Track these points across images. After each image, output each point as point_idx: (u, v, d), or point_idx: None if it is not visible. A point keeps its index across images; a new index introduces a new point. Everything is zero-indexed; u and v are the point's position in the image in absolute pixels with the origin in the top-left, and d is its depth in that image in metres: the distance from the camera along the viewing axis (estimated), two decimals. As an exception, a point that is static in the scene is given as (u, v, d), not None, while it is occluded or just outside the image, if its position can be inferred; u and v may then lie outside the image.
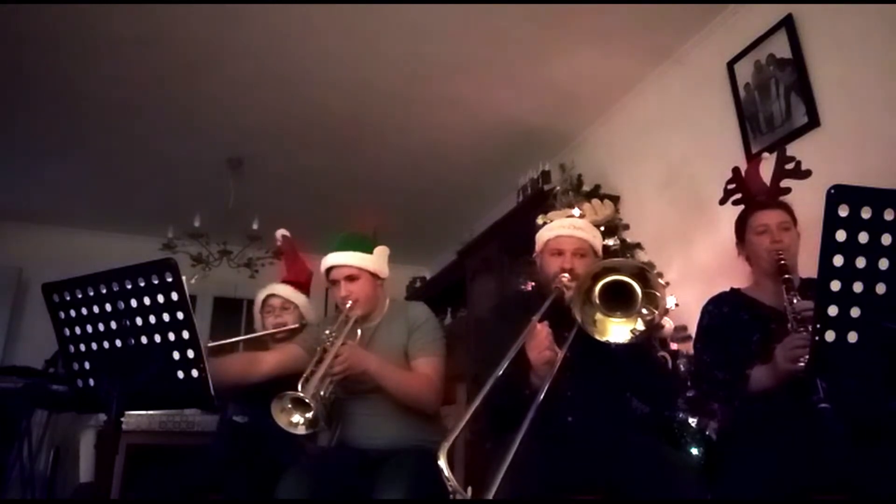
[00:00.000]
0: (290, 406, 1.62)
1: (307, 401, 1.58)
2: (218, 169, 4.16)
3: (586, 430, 1.60)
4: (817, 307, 1.15)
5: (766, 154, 2.07)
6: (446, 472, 1.11)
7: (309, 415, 1.60)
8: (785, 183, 1.91)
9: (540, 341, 1.51)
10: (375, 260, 1.98)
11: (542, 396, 1.37)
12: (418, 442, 1.86)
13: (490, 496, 1.12)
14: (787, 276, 1.66)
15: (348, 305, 1.90)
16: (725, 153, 2.68)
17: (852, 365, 1.19)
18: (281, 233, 2.61)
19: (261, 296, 2.44)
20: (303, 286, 2.49)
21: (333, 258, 1.96)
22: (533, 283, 2.54)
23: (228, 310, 5.59)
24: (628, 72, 3.25)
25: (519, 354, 1.46)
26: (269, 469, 1.82)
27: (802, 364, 1.45)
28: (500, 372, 1.34)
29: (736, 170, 2.03)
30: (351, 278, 1.94)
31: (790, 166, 1.91)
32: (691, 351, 2.14)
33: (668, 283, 2.80)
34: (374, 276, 1.99)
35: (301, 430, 1.62)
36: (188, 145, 3.96)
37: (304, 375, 1.66)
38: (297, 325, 2.37)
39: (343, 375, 1.74)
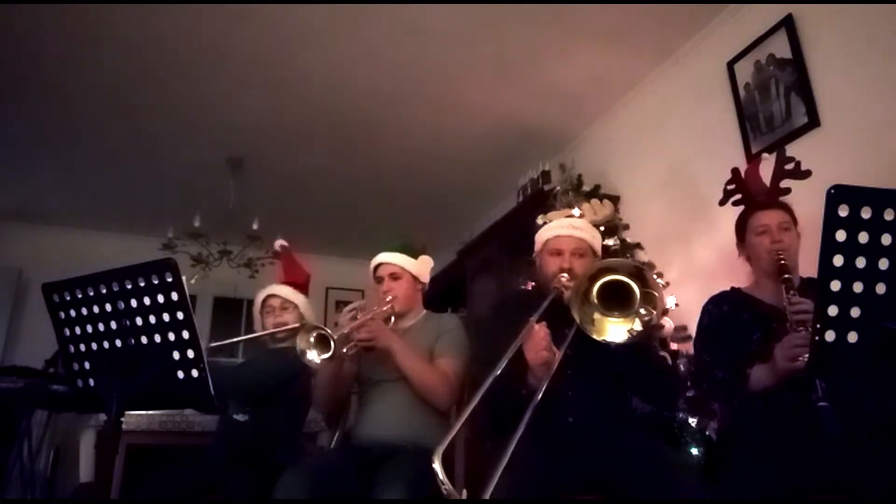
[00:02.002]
0: (312, 340, 1.72)
1: (331, 341, 1.68)
2: (218, 169, 4.17)
3: (586, 430, 1.60)
4: (817, 307, 1.15)
5: (765, 154, 2.07)
6: (441, 475, 1.11)
7: (325, 355, 1.70)
8: (785, 183, 1.91)
9: (537, 342, 1.50)
10: (418, 265, 2.16)
11: (539, 397, 1.37)
12: (423, 440, 1.87)
13: (486, 497, 1.12)
14: (787, 275, 1.66)
15: (388, 299, 2.05)
16: (725, 153, 2.68)
17: (852, 365, 1.19)
18: (280, 243, 2.66)
19: (260, 296, 2.45)
20: (302, 287, 2.50)
21: (382, 257, 2.15)
22: (533, 283, 2.54)
23: (228, 310, 5.60)
24: (628, 72, 3.25)
25: (517, 355, 1.46)
26: (268, 469, 1.82)
27: (802, 362, 1.45)
28: (498, 372, 1.34)
29: (735, 170, 2.03)
30: (394, 276, 2.11)
31: (790, 166, 1.91)
32: (691, 351, 2.15)
33: (668, 284, 2.80)
34: (416, 279, 2.16)
35: (310, 364, 1.72)
36: (188, 145, 3.96)
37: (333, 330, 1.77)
38: (297, 325, 2.38)
39: (366, 345, 1.86)
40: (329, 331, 1.70)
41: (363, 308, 1.94)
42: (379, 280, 2.13)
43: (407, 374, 1.90)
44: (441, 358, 1.99)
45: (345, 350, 1.79)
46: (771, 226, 1.79)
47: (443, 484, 1.10)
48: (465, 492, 1.17)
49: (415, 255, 2.15)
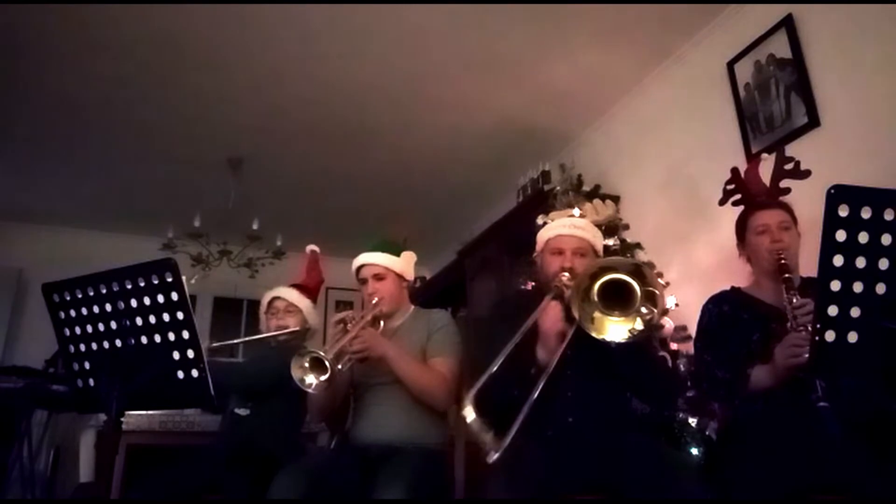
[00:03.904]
0: (307, 365, 1.68)
1: (326, 363, 1.64)
2: (218, 169, 4.16)
3: (586, 431, 1.60)
4: (817, 307, 1.15)
5: (765, 154, 2.07)
6: (470, 417, 1.26)
7: (323, 377, 1.66)
8: (784, 183, 1.91)
9: (553, 314, 1.55)
10: (402, 262, 2.10)
11: (535, 396, 1.39)
12: (422, 441, 1.88)
13: (509, 438, 1.24)
14: (787, 275, 1.66)
15: (374, 301, 2.01)
16: (725, 153, 2.68)
17: (852, 365, 1.19)
18: (310, 248, 2.66)
19: (266, 297, 2.46)
20: (310, 291, 2.51)
21: (364, 257, 2.09)
22: (533, 283, 2.54)
23: (228, 310, 5.60)
24: (628, 72, 3.25)
25: (526, 343, 1.51)
26: (268, 466, 1.82)
27: (801, 360, 1.45)
28: (511, 347, 1.42)
29: (735, 170, 2.02)
30: (378, 277, 2.06)
31: (789, 166, 1.91)
32: (691, 351, 2.15)
33: (668, 284, 2.80)
34: (400, 277, 2.11)
35: (309, 389, 1.68)
36: (188, 145, 3.96)
37: (326, 346, 1.74)
38: (298, 329, 2.39)
39: (360, 356, 1.83)
40: (322, 353, 1.65)
41: (351, 318, 1.90)
42: (362, 281, 2.08)
43: (403, 380, 1.88)
44: (435, 358, 1.97)
45: (339, 366, 1.75)
46: (771, 225, 1.79)
47: (473, 426, 1.24)
48: (491, 434, 1.27)
49: (397, 253, 2.10)
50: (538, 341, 1.58)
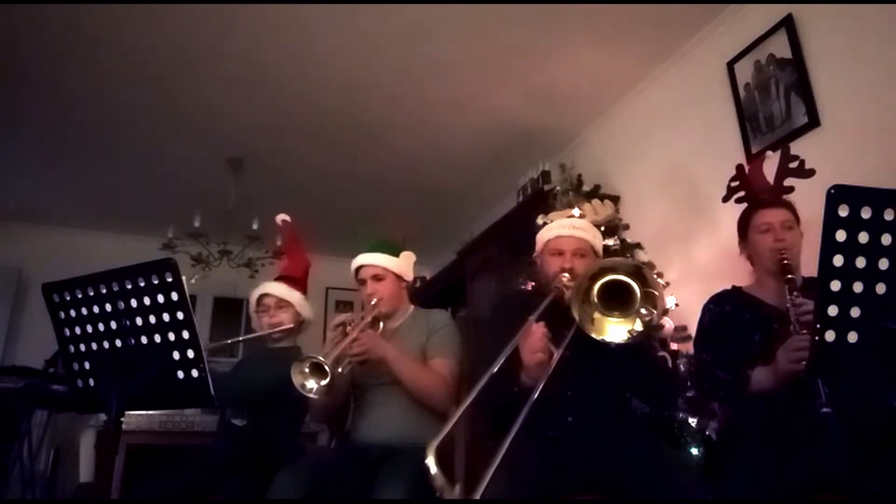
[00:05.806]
0: (307, 370, 1.68)
1: (326, 368, 1.64)
2: (218, 169, 4.17)
3: (586, 431, 1.60)
4: (817, 307, 1.15)
5: (769, 152, 2.06)
6: (433, 469, 1.12)
7: (324, 382, 1.66)
8: (789, 181, 1.90)
9: (534, 342, 1.49)
10: (401, 263, 2.10)
11: (535, 397, 1.36)
12: (422, 441, 1.87)
13: (478, 495, 1.12)
14: (789, 276, 1.66)
15: (373, 302, 2.00)
16: (725, 153, 2.68)
17: (852, 365, 1.19)
18: (281, 217, 2.60)
19: (254, 295, 2.42)
20: (298, 282, 2.46)
21: (362, 258, 2.08)
22: (533, 283, 2.54)
23: (228, 310, 5.60)
24: (628, 72, 3.25)
25: (514, 353, 1.46)
26: (268, 471, 1.82)
27: (804, 365, 1.45)
28: (495, 370, 1.33)
29: (740, 167, 2.02)
30: (377, 278, 2.05)
31: (794, 164, 1.89)
32: (691, 351, 2.14)
33: (668, 284, 2.80)
34: (399, 277, 2.10)
35: (312, 395, 1.68)
36: (188, 145, 3.96)
37: (325, 351, 1.73)
38: (292, 325, 2.37)
39: (360, 359, 1.83)
40: (321, 358, 1.65)
41: (350, 321, 1.90)
42: (361, 282, 2.08)
43: (403, 381, 1.88)
44: (435, 358, 1.97)
45: (340, 370, 1.76)
46: (774, 224, 1.79)
47: (434, 479, 1.10)
48: (458, 487, 1.15)
49: (395, 253, 2.09)
50: (521, 366, 1.53)
